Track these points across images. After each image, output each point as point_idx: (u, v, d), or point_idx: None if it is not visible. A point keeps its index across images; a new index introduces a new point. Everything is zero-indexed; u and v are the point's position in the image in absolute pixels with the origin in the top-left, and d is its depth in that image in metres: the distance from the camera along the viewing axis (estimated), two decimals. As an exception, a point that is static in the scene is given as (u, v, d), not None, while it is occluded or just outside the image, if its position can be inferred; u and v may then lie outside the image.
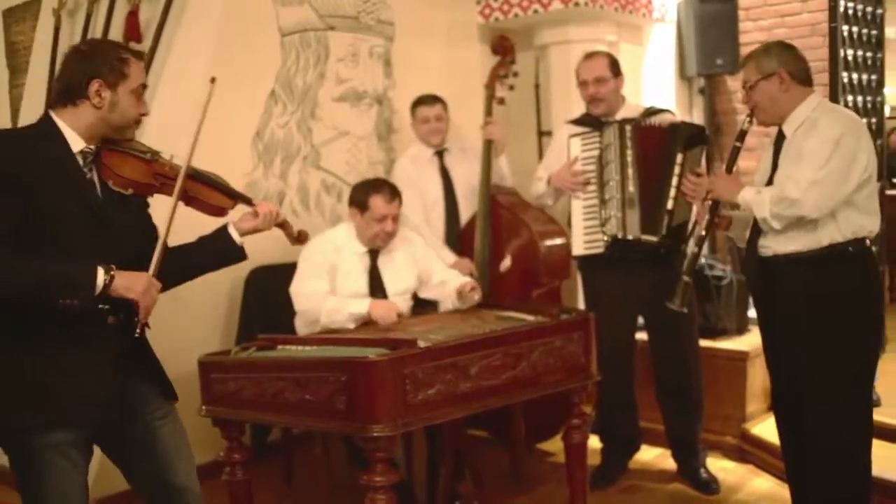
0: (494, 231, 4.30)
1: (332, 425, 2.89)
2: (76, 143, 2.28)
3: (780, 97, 2.99)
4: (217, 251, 2.56)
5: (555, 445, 4.22)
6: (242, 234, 2.56)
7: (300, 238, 2.73)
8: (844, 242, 2.93)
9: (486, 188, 4.30)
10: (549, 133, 4.91)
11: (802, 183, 2.85)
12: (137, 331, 2.26)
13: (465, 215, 4.39)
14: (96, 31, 4.20)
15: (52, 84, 2.39)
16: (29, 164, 2.16)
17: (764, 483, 3.93)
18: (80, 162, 2.28)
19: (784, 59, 2.99)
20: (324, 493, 3.74)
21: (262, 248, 3.87)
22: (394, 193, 3.64)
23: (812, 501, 3.11)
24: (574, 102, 4.66)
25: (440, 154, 4.45)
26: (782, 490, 3.41)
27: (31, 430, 2.20)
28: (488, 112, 4.43)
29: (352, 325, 3.46)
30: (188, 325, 3.94)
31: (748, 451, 4.20)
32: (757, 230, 3.08)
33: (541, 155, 4.83)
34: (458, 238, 4.35)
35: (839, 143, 2.84)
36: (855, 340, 2.98)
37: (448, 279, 3.78)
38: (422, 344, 2.83)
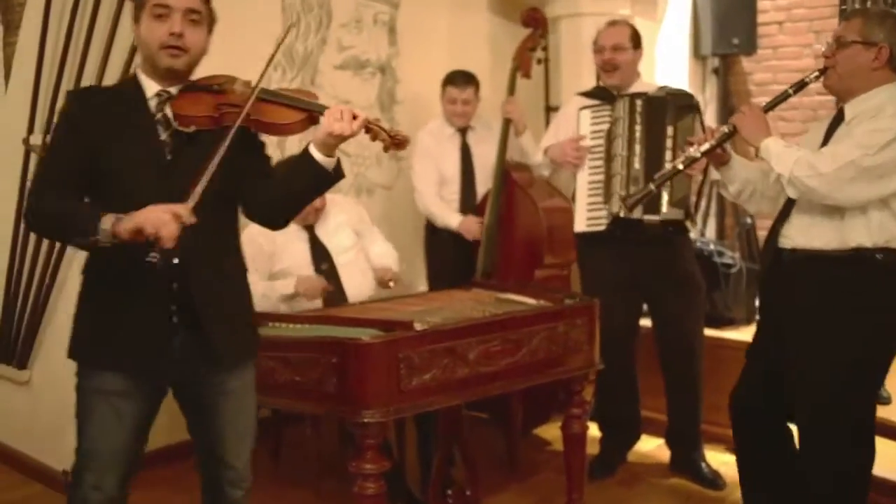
0: (505, 208, 4.22)
1: (322, 408, 2.79)
2: (150, 88, 2.25)
3: (862, 71, 2.66)
4: (306, 176, 2.27)
5: (552, 433, 4.11)
6: (325, 149, 2.22)
7: (396, 141, 2.27)
8: (873, 249, 2.62)
9: (500, 167, 4.21)
10: (557, 109, 4.76)
11: (839, 160, 2.54)
12: (153, 255, 2.01)
13: (482, 193, 4.30)
14: (92, -12, 4.04)
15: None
16: (96, 115, 2.20)
17: (767, 478, 3.81)
18: (152, 105, 2.24)
19: (894, 36, 2.65)
20: (313, 472, 3.65)
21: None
22: None
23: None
24: (585, 77, 4.54)
25: (463, 131, 4.35)
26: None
27: (82, 367, 2.28)
28: (511, 90, 4.30)
29: (283, 307, 3.42)
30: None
31: (751, 444, 4.07)
32: (782, 216, 2.81)
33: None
34: (474, 214, 4.26)
35: None
36: (864, 358, 2.70)
37: (370, 246, 3.84)
38: (418, 326, 2.71)
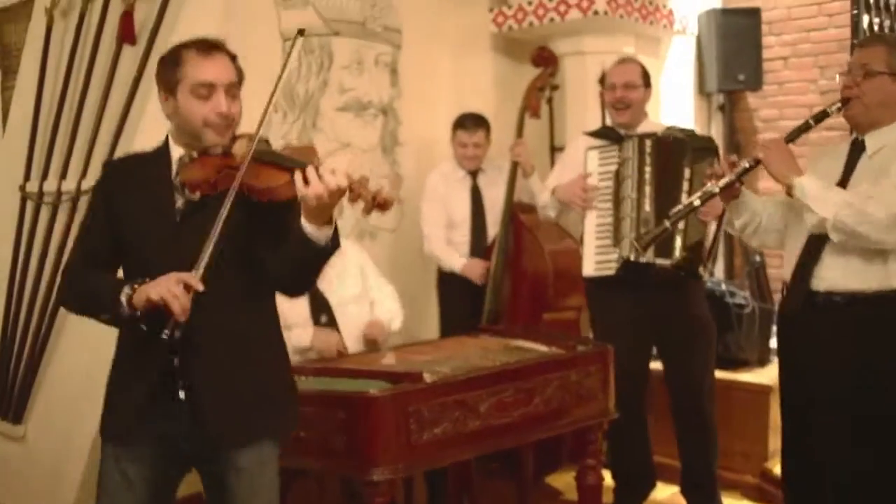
0: (513, 250, 4.17)
1: (329, 466, 2.69)
2: (176, 153, 2.22)
3: (891, 101, 2.58)
4: (298, 249, 2.07)
5: (563, 481, 4.00)
6: (314, 218, 2.02)
7: (378, 203, 2.02)
8: None
9: (507, 209, 4.17)
10: (562, 149, 4.69)
11: (891, 205, 2.43)
12: (166, 332, 2.00)
13: (493, 236, 4.25)
14: (89, 32, 3.99)
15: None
16: (126, 184, 2.21)
17: (787, 527, 3.69)
18: (174, 171, 2.20)
19: None
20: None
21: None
22: None
23: None
24: (590, 117, 4.48)
25: (474, 174, 4.32)
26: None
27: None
28: (519, 130, 4.27)
29: (296, 357, 3.28)
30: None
31: (769, 491, 3.95)
32: (811, 257, 2.67)
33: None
34: (483, 257, 4.21)
35: None
36: None
37: (375, 300, 3.65)
38: (428, 378, 2.62)
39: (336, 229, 2.09)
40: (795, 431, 2.86)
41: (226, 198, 2.04)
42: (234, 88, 2.18)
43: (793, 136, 2.68)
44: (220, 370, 2.14)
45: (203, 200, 2.13)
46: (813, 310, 2.68)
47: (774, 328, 4.42)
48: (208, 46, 2.17)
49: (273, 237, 2.14)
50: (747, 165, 2.67)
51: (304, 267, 2.16)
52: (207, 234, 2.02)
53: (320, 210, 2.01)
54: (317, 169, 1.99)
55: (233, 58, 2.22)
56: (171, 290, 1.96)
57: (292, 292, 2.35)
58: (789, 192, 2.59)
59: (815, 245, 2.66)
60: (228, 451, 2.18)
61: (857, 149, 2.69)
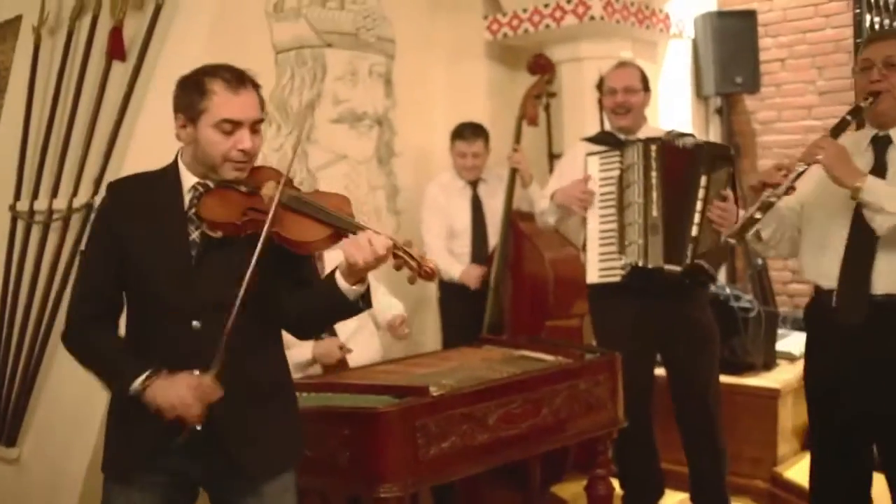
0: (513, 259, 4.16)
1: (334, 483, 2.63)
2: (188, 180, 2.11)
3: None
4: (328, 301, 2.06)
5: (570, 490, 3.94)
6: (351, 278, 2.00)
7: (423, 272, 2.04)
8: None
9: (507, 218, 4.16)
10: (561, 156, 4.66)
11: None
12: (180, 439, 1.99)
13: (494, 246, 4.23)
14: (78, 49, 3.94)
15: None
16: (130, 209, 2.11)
17: (800, 532, 3.64)
18: (187, 199, 2.10)
19: None
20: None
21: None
22: None
23: None
24: (588, 123, 4.44)
25: (474, 184, 4.30)
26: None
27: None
28: (517, 138, 4.26)
29: (299, 374, 3.23)
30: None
31: (780, 496, 3.91)
32: (860, 261, 2.57)
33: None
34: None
35: None
36: None
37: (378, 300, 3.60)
38: (434, 391, 2.56)
39: (368, 288, 2.06)
40: (839, 442, 2.74)
41: (253, 243, 1.96)
42: (257, 125, 2.09)
43: (835, 134, 2.59)
44: (240, 405, 2.07)
45: (223, 238, 2.06)
46: (873, 315, 2.55)
47: (780, 331, 4.42)
48: (237, 81, 2.05)
49: (293, 282, 2.11)
50: (801, 170, 2.55)
51: (329, 318, 2.19)
52: (222, 273, 1.99)
53: (359, 272, 2.00)
54: (376, 239, 1.97)
55: (257, 88, 2.12)
56: (184, 401, 1.93)
57: (305, 336, 2.34)
58: (855, 194, 2.48)
59: (861, 247, 2.56)
60: (253, 483, 2.13)
61: (881, 144, 2.62)
